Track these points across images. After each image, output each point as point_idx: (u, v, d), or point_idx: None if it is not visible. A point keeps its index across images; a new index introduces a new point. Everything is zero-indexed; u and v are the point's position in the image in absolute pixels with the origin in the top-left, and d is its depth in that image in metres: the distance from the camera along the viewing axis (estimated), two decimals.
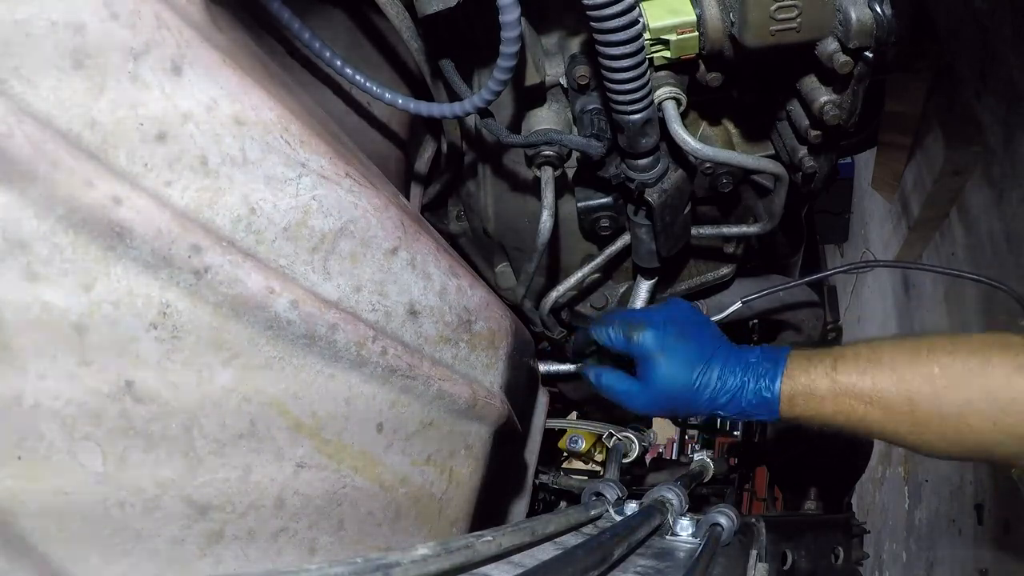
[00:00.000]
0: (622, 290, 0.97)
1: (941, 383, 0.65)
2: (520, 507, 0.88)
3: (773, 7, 0.61)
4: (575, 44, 0.76)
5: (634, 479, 1.41)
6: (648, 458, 1.41)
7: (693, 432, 4.63)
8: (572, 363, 0.97)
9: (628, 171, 0.76)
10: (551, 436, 1.22)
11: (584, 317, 1.00)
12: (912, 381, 0.67)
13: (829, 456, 1.36)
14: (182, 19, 0.44)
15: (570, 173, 0.85)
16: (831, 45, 0.64)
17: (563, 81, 0.76)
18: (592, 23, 0.60)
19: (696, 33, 0.66)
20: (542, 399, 0.91)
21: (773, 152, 0.85)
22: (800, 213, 1.26)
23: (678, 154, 0.77)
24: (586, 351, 0.90)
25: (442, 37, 0.75)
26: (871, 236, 3.40)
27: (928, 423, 0.66)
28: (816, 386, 0.71)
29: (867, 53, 0.64)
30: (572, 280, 0.90)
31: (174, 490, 0.44)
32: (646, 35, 0.65)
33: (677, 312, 0.82)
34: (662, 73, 0.72)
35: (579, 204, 0.85)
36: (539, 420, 0.90)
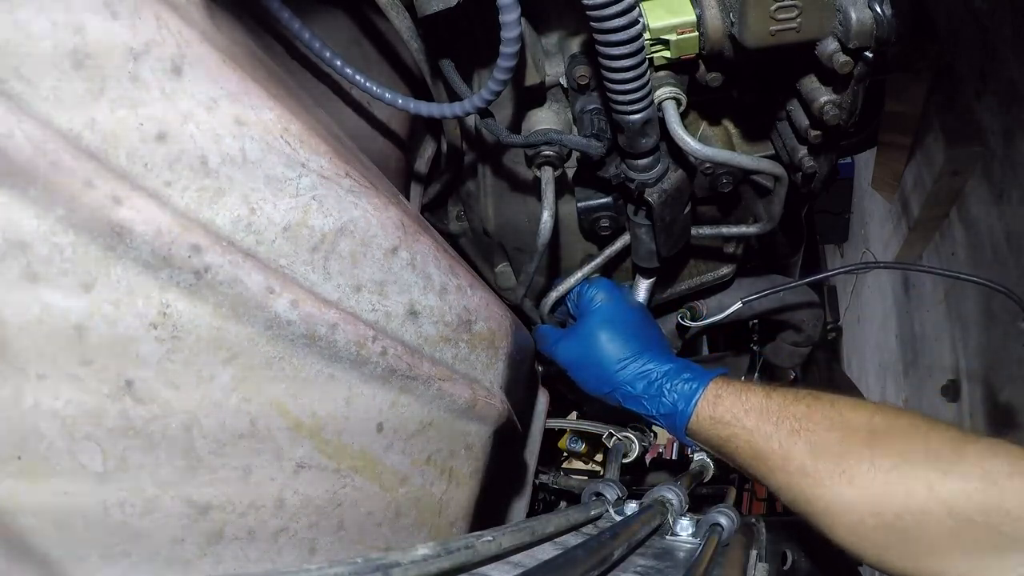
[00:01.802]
0: None
1: (882, 429, 0.57)
2: (520, 507, 0.88)
3: (773, 7, 0.61)
4: (575, 44, 0.76)
5: (634, 479, 1.41)
6: (648, 458, 1.41)
7: None
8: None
9: (628, 171, 0.76)
10: (551, 436, 1.22)
11: None
12: (850, 421, 0.59)
13: None
14: (182, 19, 0.44)
15: (570, 173, 0.85)
16: (831, 45, 0.64)
17: (563, 81, 0.76)
18: (592, 23, 0.60)
19: (696, 33, 0.66)
20: (542, 399, 0.91)
21: (773, 152, 0.85)
22: (800, 213, 1.26)
23: (678, 154, 0.77)
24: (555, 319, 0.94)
25: (442, 37, 0.75)
26: (871, 236, 3.40)
27: (856, 472, 0.56)
28: (748, 396, 0.65)
29: (867, 53, 0.64)
30: (572, 280, 0.90)
31: (174, 490, 0.44)
32: (646, 35, 0.65)
33: (639, 304, 0.84)
34: (662, 73, 0.72)
35: (579, 204, 0.85)
36: (539, 420, 0.90)
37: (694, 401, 0.69)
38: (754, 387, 0.67)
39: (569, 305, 0.88)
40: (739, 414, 0.65)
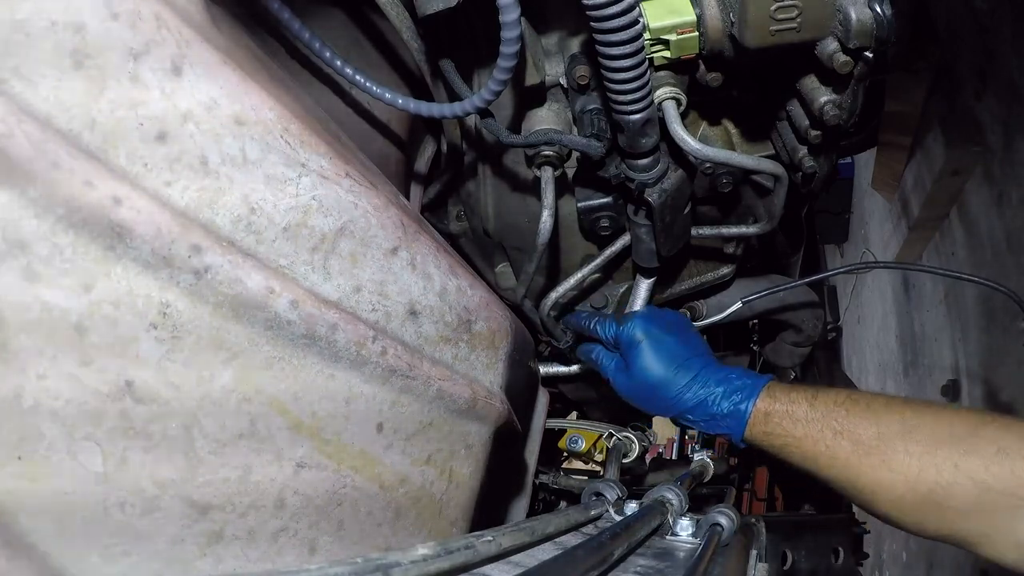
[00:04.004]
0: (622, 290, 0.97)
1: (912, 422, 0.68)
2: (520, 507, 0.88)
3: (773, 7, 0.61)
4: (575, 44, 0.76)
5: (634, 479, 1.41)
6: (648, 458, 1.41)
7: (693, 432, 4.62)
8: (567, 344, 0.98)
9: (628, 171, 0.76)
10: (551, 436, 1.22)
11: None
12: (884, 418, 0.69)
13: None
14: (182, 19, 0.44)
15: (570, 173, 0.85)
16: (831, 45, 0.64)
17: (563, 81, 0.76)
18: (592, 23, 0.60)
19: (696, 33, 0.66)
20: (542, 399, 0.91)
21: (773, 152, 0.85)
22: (800, 213, 1.26)
23: (678, 154, 0.77)
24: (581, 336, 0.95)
25: (442, 37, 0.74)
26: (871, 236, 3.40)
27: (894, 459, 0.67)
28: (794, 409, 0.74)
29: (867, 53, 0.64)
30: (572, 280, 0.90)
31: (174, 490, 0.44)
32: (646, 35, 0.65)
33: (671, 316, 0.88)
34: (662, 73, 0.72)
35: (579, 204, 0.85)
36: (539, 420, 0.90)
37: (745, 421, 0.76)
38: (799, 398, 0.74)
39: (603, 334, 0.87)
40: (788, 427, 0.74)
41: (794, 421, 0.73)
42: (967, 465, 0.63)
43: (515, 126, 0.79)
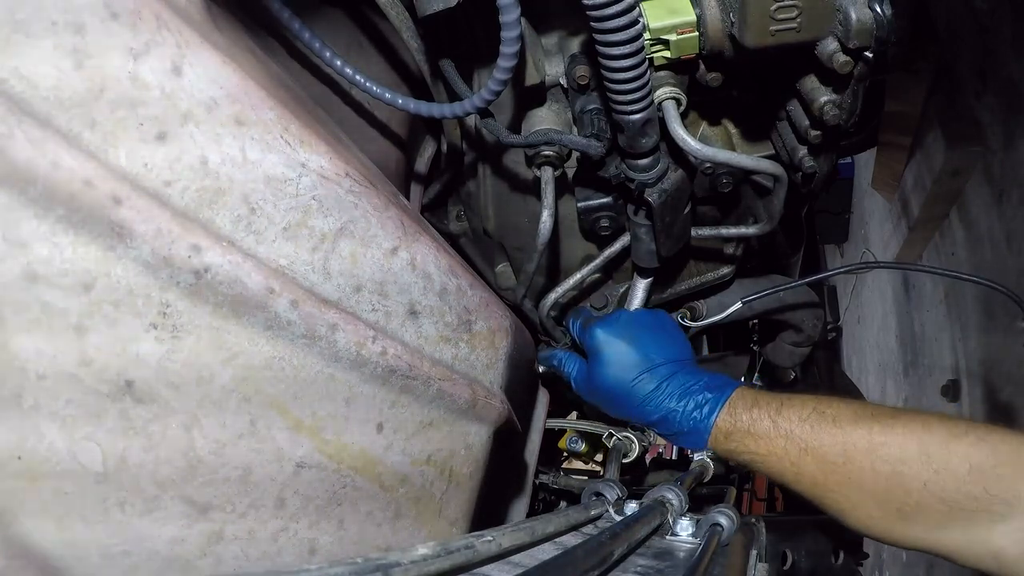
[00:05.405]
0: (622, 290, 0.97)
1: (879, 439, 0.65)
2: (520, 507, 0.88)
3: (773, 7, 0.61)
4: (575, 44, 0.76)
5: (634, 479, 1.41)
6: (648, 458, 1.41)
7: None
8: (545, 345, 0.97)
9: (628, 171, 0.76)
10: (551, 436, 1.22)
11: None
12: (851, 435, 0.67)
13: None
14: (182, 19, 0.44)
15: (570, 173, 0.85)
16: (831, 45, 0.64)
17: (563, 81, 0.76)
18: (592, 23, 0.60)
19: (696, 33, 0.66)
20: (542, 399, 0.91)
21: (773, 152, 0.85)
22: (800, 213, 1.26)
23: (678, 154, 0.77)
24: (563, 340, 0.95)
25: (442, 37, 0.75)
26: (871, 236, 3.40)
27: (860, 478, 0.65)
28: (757, 426, 0.71)
29: (867, 53, 0.64)
30: (572, 280, 0.90)
31: (174, 490, 0.44)
32: (646, 35, 0.65)
33: (646, 318, 0.84)
34: (662, 73, 0.72)
35: (579, 204, 0.85)
36: (539, 420, 0.90)
37: (707, 437, 0.75)
38: (762, 414, 0.72)
39: (573, 334, 0.87)
40: (751, 445, 0.72)
41: (756, 439, 0.71)
42: (937, 485, 0.61)
43: (515, 126, 0.79)
